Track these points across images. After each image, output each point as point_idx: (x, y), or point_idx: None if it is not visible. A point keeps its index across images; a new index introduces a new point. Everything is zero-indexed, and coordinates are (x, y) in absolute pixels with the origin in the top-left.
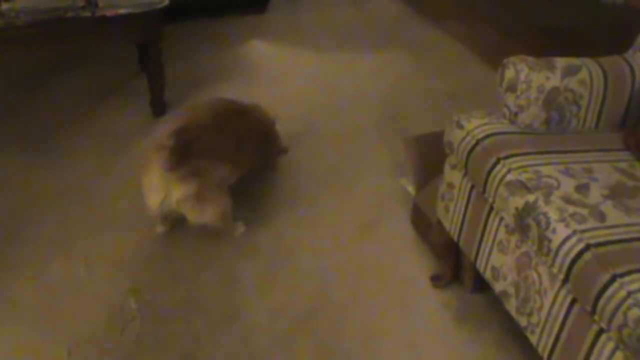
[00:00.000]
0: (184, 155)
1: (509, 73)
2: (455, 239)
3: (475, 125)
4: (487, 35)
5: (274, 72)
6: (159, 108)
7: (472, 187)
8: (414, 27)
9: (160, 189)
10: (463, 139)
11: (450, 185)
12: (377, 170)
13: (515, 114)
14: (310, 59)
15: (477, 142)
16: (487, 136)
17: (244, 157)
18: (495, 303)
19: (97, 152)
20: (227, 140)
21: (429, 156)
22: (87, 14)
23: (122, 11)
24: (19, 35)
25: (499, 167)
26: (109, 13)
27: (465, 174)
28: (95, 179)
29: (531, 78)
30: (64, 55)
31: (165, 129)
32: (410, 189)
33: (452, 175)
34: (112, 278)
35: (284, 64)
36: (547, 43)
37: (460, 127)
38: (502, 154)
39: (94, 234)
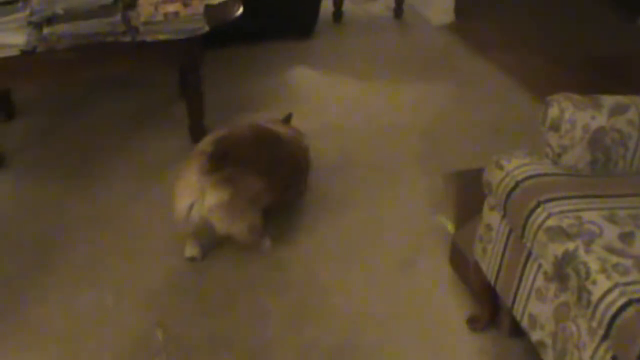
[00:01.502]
0: (222, 161)
1: (553, 111)
2: (492, 282)
3: (516, 166)
4: (534, 66)
5: (315, 100)
6: (197, 135)
7: (511, 230)
8: (459, 57)
9: (194, 193)
10: (502, 179)
11: (489, 227)
12: (415, 205)
13: (559, 155)
14: (352, 87)
15: (517, 184)
16: (527, 178)
17: (278, 181)
18: (534, 351)
19: (132, 178)
20: (265, 159)
21: (469, 194)
22: (128, 39)
23: (162, 37)
24: (60, 59)
25: (538, 211)
26: (149, 38)
27: (504, 216)
28: (128, 206)
29: (576, 117)
30: (104, 79)
31: (206, 139)
32: (449, 227)
33: (490, 216)
34: (140, 309)
35: (326, 91)
36: (597, 74)
37: (500, 167)
38: (543, 197)
39: (124, 263)
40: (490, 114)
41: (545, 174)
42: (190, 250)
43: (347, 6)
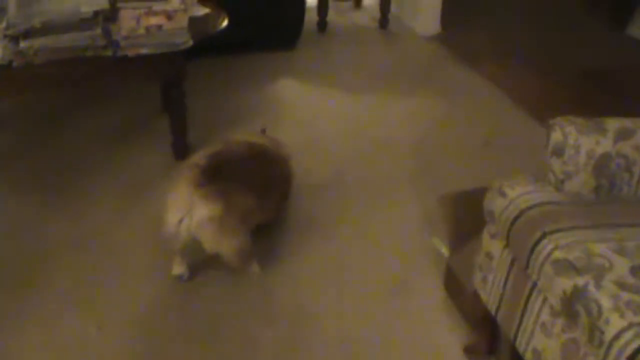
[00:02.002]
0: (215, 175)
1: (556, 136)
2: (493, 313)
3: (519, 193)
4: (524, 79)
5: (302, 115)
6: (180, 151)
7: (514, 260)
8: (448, 68)
9: (184, 206)
10: (505, 207)
11: (489, 256)
12: (408, 225)
13: (562, 181)
14: (339, 101)
15: (521, 213)
16: (531, 206)
17: (270, 202)
18: None
19: (114, 197)
20: (258, 177)
21: (465, 216)
22: (108, 53)
23: (144, 51)
24: (38, 74)
25: (544, 242)
26: (131, 53)
27: (507, 246)
28: (111, 226)
29: (580, 142)
30: (85, 93)
31: (199, 152)
32: (444, 250)
33: (491, 244)
34: (125, 338)
35: (313, 105)
36: (588, 86)
37: (503, 194)
38: (548, 228)
39: (107, 288)
40: (480, 128)
41: (550, 202)
42: (178, 268)
43: (331, 16)
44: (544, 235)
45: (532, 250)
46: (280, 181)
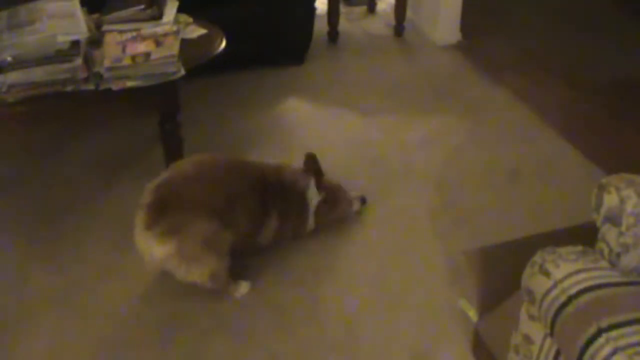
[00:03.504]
0: (161, 211)
1: (611, 200)
2: None
3: (566, 274)
4: (553, 92)
5: (312, 139)
6: None
7: (559, 352)
8: (470, 83)
9: (144, 250)
10: (549, 290)
11: (528, 339)
12: (432, 277)
13: (618, 255)
14: (352, 123)
15: (569, 300)
16: (582, 291)
17: (241, 216)
18: None
19: (104, 242)
20: (217, 195)
21: (496, 274)
22: (90, 87)
23: (131, 84)
24: (12, 113)
25: (600, 341)
26: (115, 86)
27: (551, 335)
28: (101, 279)
29: None
30: (73, 123)
31: (146, 187)
32: (472, 314)
33: (530, 326)
34: None
35: (323, 128)
36: (621, 99)
37: (546, 273)
38: (605, 323)
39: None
40: (508, 153)
41: (605, 285)
42: (235, 289)
43: (343, 25)
44: (599, 332)
45: (584, 349)
46: (255, 190)
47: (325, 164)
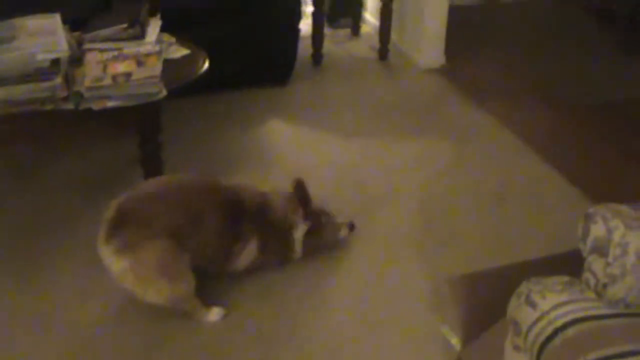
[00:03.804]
0: (119, 227)
1: (597, 230)
2: None
3: (553, 305)
4: (536, 117)
5: (295, 162)
6: None
7: None
8: (453, 106)
9: (106, 265)
10: (535, 322)
11: None
12: (415, 303)
13: (604, 285)
14: (336, 146)
15: (555, 332)
16: (569, 323)
17: (205, 239)
18: None
19: (83, 264)
20: (177, 214)
21: (479, 302)
22: (70, 106)
23: (112, 104)
24: None
25: None
26: (96, 106)
27: None
28: (80, 302)
29: (628, 240)
30: (51, 142)
31: (111, 203)
32: (455, 341)
33: (514, 358)
34: None
35: (306, 150)
36: (606, 122)
37: (532, 305)
38: (592, 356)
39: None
40: (493, 178)
41: (591, 317)
42: (204, 314)
43: (327, 47)
44: None
45: None
46: (223, 212)
47: (307, 185)
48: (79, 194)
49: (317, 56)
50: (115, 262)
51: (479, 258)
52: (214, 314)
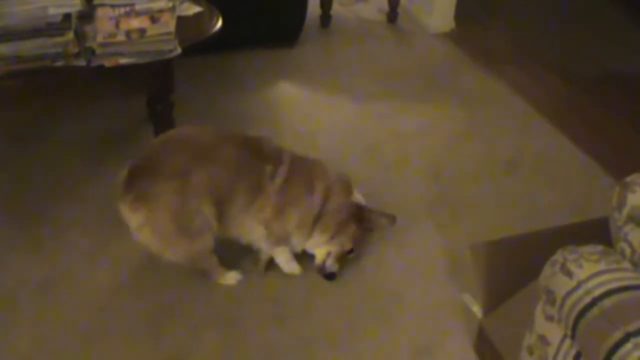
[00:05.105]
0: (136, 178)
1: (635, 200)
2: None
3: (590, 274)
4: (549, 85)
5: (303, 125)
6: None
7: (579, 354)
8: (465, 73)
9: (126, 220)
10: (571, 291)
11: (544, 340)
12: (431, 271)
13: None
14: (345, 110)
15: (594, 302)
16: (607, 293)
17: (233, 194)
18: None
19: (91, 228)
20: (189, 156)
21: (501, 270)
22: (82, 63)
23: (124, 61)
24: None
25: (628, 347)
26: (108, 63)
27: (572, 338)
28: (87, 267)
29: None
30: (60, 101)
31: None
32: (476, 309)
33: (546, 327)
34: None
35: (314, 114)
36: (617, 93)
37: (568, 274)
38: (633, 327)
39: (80, 349)
40: (504, 145)
41: (630, 287)
42: (223, 277)
43: (335, 9)
44: (627, 338)
45: (609, 355)
46: (240, 163)
47: (317, 150)
48: (86, 156)
49: (325, 18)
50: (132, 217)
51: (494, 226)
52: (231, 277)
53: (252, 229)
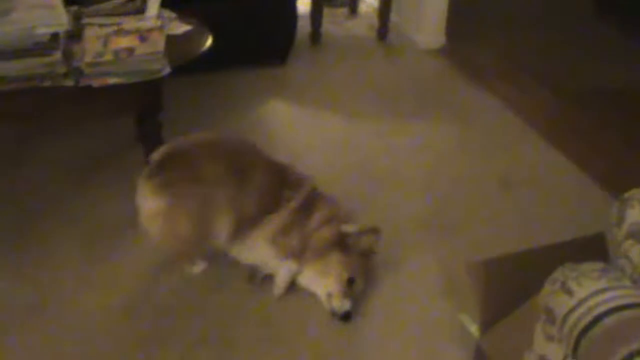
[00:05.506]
0: (163, 167)
1: (635, 215)
2: None
3: (590, 292)
4: (540, 99)
5: (294, 144)
6: None
7: None
8: (455, 88)
9: (139, 204)
10: (572, 310)
11: None
12: (426, 290)
13: None
14: (337, 127)
15: (596, 320)
16: (609, 311)
17: (253, 217)
18: None
19: (78, 251)
20: (223, 166)
21: (499, 287)
22: (70, 83)
23: (113, 81)
24: None
25: None
26: (97, 83)
27: (573, 357)
28: (74, 291)
29: None
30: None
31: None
32: (474, 329)
33: (546, 347)
34: None
35: (306, 133)
36: (610, 108)
37: (568, 292)
38: (636, 345)
39: None
40: (497, 162)
41: (632, 305)
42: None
43: (325, 26)
44: (630, 357)
45: None
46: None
47: (307, 168)
48: (73, 176)
49: (315, 35)
50: (149, 200)
51: (490, 244)
52: (196, 267)
53: (258, 247)
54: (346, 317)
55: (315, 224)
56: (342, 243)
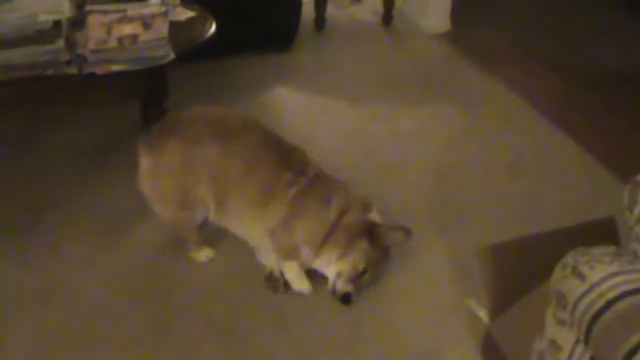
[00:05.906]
0: (162, 129)
1: None
2: None
3: (603, 277)
4: (548, 83)
5: (301, 129)
6: None
7: (593, 359)
8: (462, 72)
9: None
10: (584, 294)
11: (555, 346)
12: (434, 276)
13: None
14: (342, 113)
15: (608, 305)
16: (622, 295)
17: (239, 185)
18: None
19: (86, 237)
20: (219, 146)
21: (508, 273)
22: (73, 70)
23: (117, 68)
24: None
25: None
26: (100, 70)
27: (585, 343)
28: (82, 276)
29: None
30: (52, 109)
31: None
32: (483, 314)
33: (557, 332)
34: None
35: (311, 118)
36: (616, 91)
37: (580, 276)
38: None
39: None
40: (504, 147)
41: None
42: (199, 253)
43: (330, 12)
44: None
45: (627, 358)
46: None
47: (315, 154)
48: (80, 164)
49: (320, 21)
50: (142, 161)
51: (498, 229)
52: (204, 255)
53: (259, 238)
54: (346, 299)
55: (334, 216)
56: (371, 232)
